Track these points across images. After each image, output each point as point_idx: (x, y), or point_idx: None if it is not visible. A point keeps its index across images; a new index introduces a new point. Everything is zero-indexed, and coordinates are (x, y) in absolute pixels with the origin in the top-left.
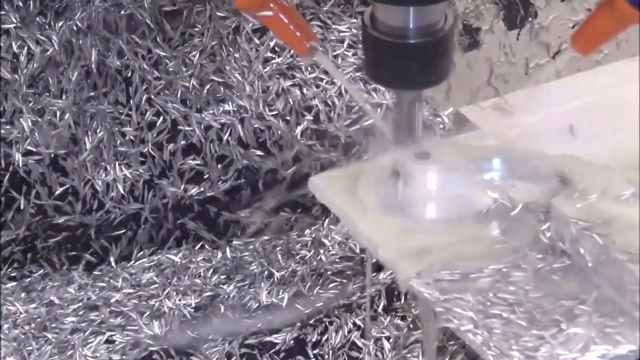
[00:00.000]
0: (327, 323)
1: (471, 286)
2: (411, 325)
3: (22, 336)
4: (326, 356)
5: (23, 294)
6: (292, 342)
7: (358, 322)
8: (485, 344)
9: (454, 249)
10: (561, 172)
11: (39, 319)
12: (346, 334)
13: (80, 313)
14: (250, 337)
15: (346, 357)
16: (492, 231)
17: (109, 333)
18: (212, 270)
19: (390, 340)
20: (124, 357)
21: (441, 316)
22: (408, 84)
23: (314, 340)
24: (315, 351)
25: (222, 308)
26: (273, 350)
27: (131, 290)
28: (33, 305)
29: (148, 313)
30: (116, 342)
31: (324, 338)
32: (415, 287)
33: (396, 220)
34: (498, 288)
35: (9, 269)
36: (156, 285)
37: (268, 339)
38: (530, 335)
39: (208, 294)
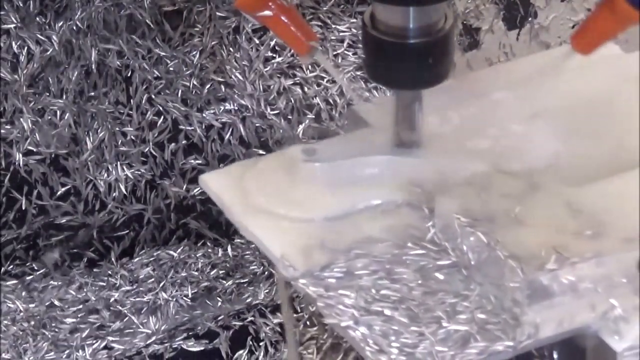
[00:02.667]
0: None
1: (355, 283)
2: (308, 322)
3: (21, 332)
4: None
5: (24, 293)
6: (278, 299)
7: None
8: (364, 340)
9: (339, 246)
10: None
11: (37, 317)
12: None
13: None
14: None
15: None
16: (377, 228)
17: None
18: (210, 265)
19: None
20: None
21: (323, 312)
22: (408, 84)
23: (301, 295)
24: (302, 305)
25: (220, 302)
26: (260, 307)
27: (129, 288)
28: (33, 305)
29: (145, 309)
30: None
31: None
32: (300, 285)
33: (283, 217)
34: (382, 285)
35: (10, 266)
36: (153, 279)
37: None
38: (411, 332)
39: (205, 284)
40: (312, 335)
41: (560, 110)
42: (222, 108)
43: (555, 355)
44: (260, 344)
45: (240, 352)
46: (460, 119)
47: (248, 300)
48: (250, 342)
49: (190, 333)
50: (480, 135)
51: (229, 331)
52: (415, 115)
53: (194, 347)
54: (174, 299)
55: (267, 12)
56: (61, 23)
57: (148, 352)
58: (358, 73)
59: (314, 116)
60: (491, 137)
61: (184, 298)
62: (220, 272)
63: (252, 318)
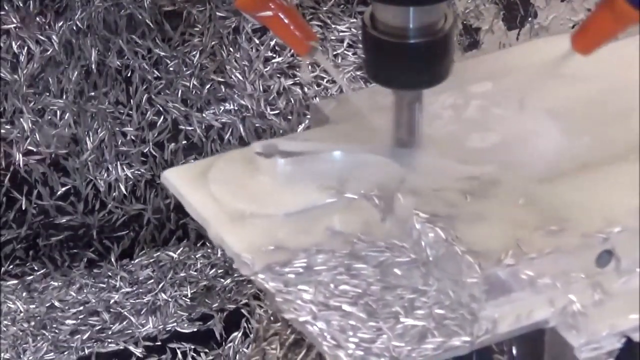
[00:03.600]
0: None
1: (314, 279)
2: (272, 318)
3: (20, 333)
4: None
5: (24, 293)
6: None
7: None
8: (322, 335)
9: (299, 242)
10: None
11: (38, 317)
12: None
13: (80, 317)
14: None
15: None
16: (337, 224)
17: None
18: (210, 265)
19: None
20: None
21: (282, 307)
22: (408, 84)
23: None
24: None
25: (219, 299)
26: (255, 290)
27: (129, 290)
28: (33, 306)
29: (145, 310)
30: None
31: None
32: (260, 280)
33: (243, 213)
34: (341, 280)
35: (11, 267)
36: (152, 280)
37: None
38: (368, 327)
39: (204, 283)
40: (275, 331)
41: (534, 104)
42: (222, 108)
43: (514, 350)
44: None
45: (235, 334)
46: (440, 110)
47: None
48: (245, 324)
49: (184, 317)
50: (459, 130)
51: (223, 313)
52: (415, 115)
53: (187, 328)
54: (174, 299)
55: (267, 12)
56: (61, 23)
57: (142, 334)
58: (358, 73)
59: None
60: (470, 132)
61: (183, 298)
62: (219, 271)
63: (247, 300)
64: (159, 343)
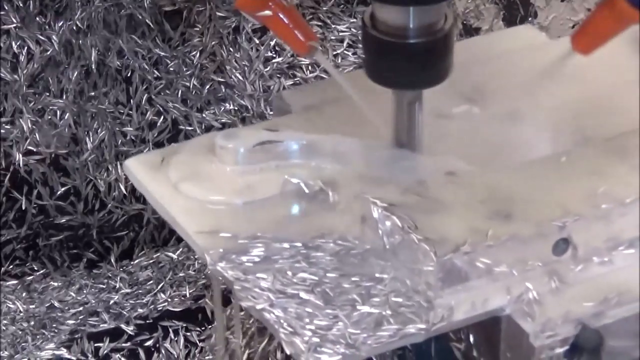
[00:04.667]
0: None
1: (272, 267)
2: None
3: (20, 332)
4: None
5: (24, 293)
6: None
7: None
8: (278, 322)
9: (257, 231)
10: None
11: (38, 317)
12: None
13: (80, 317)
14: None
15: None
16: (296, 213)
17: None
18: None
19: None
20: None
21: (239, 295)
22: (408, 84)
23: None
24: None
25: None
26: None
27: (129, 290)
28: (33, 306)
29: (144, 310)
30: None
31: None
32: (219, 270)
33: (203, 202)
34: (299, 268)
35: (11, 267)
36: (152, 281)
37: None
38: (325, 315)
39: (203, 282)
40: (239, 320)
41: (491, 94)
42: (222, 108)
43: (471, 338)
44: None
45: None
46: None
47: None
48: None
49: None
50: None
51: None
52: (415, 115)
53: (179, 307)
54: (173, 299)
55: (267, 12)
56: (61, 23)
57: (133, 315)
58: None
59: None
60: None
61: (182, 298)
62: None
63: None
64: (150, 321)
